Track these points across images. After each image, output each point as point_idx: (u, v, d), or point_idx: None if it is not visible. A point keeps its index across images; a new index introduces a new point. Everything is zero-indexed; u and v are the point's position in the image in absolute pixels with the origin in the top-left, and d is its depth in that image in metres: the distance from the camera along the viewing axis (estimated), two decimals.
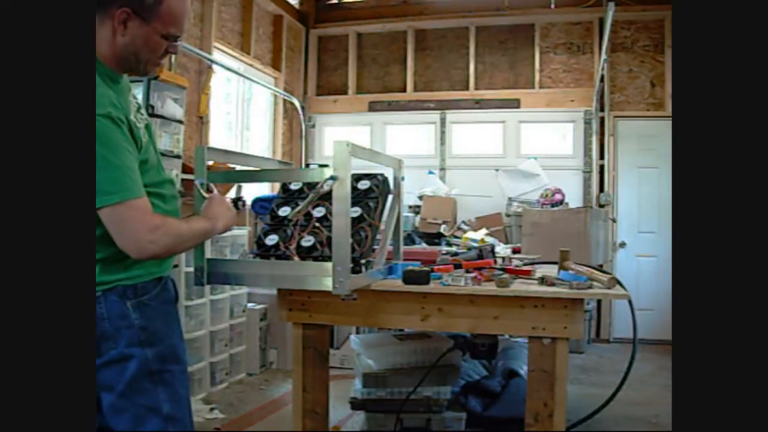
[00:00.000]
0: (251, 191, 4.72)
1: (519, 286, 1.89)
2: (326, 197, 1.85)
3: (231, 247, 4.02)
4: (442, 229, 5.08)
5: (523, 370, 2.98)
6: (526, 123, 5.68)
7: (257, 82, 5.24)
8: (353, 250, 1.78)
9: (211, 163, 1.97)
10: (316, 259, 1.83)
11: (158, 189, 1.46)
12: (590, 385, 3.99)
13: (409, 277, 1.90)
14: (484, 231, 4.53)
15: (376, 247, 1.96)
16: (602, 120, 5.51)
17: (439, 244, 4.52)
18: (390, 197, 2.12)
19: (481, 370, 3.21)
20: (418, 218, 5.31)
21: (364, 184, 2.04)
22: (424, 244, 4.53)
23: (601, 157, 5.53)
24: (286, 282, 1.86)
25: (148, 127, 1.55)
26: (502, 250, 3.47)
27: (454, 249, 3.00)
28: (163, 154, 3.34)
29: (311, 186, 2.07)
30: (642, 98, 5.57)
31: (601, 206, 5.33)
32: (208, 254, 1.93)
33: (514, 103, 5.72)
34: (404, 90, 6.03)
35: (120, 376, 1.33)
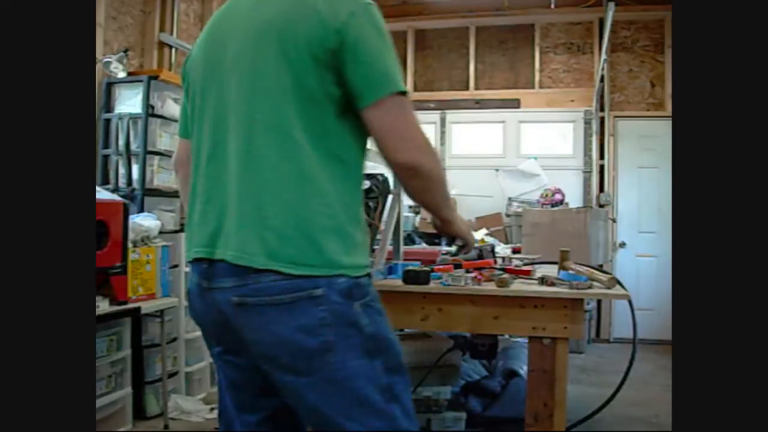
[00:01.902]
0: None
1: (519, 286, 1.90)
2: None
3: None
4: None
5: (523, 370, 2.98)
6: (526, 123, 5.68)
7: None
8: None
9: None
10: None
11: None
12: (590, 385, 3.99)
13: (409, 277, 1.90)
14: (484, 231, 4.53)
15: (376, 247, 1.96)
16: (602, 120, 5.51)
17: (439, 244, 4.52)
18: (390, 197, 2.12)
19: (481, 370, 3.21)
20: (418, 218, 5.31)
21: (364, 184, 2.03)
22: (424, 244, 4.53)
23: (601, 157, 5.53)
24: None
25: None
26: (502, 250, 3.46)
27: (454, 249, 3.00)
28: (163, 154, 3.37)
29: None
30: (642, 98, 5.57)
31: (601, 206, 5.33)
32: None
33: (514, 103, 5.71)
34: None
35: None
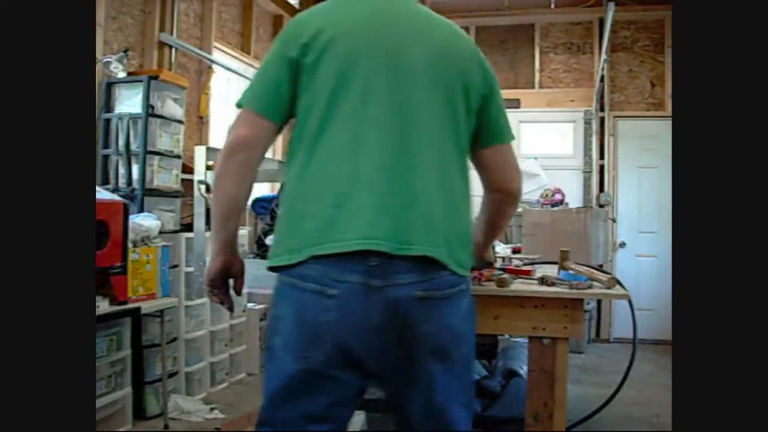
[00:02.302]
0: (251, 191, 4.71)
1: (519, 286, 1.89)
2: None
3: None
4: None
5: (523, 370, 2.98)
6: (526, 123, 5.68)
7: None
8: None
9: (211, 163, 1.97)
10: None
11: None
12: (590, 385, 3.99)
13: None
14: None
15: None
16: (602, 120, 5.51)
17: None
18: None
19: (481, 370, 3.21)
20: None
21: None
22: None
23: (601, 157, 5.53)
24: None
25: None
26: (502, 250, 3.46)
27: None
28: (163, 154, 3.37)
29: None
30: (642, 98, 5.57)
31: (601, 206, 5.33)
32: (207, 254, 1.94)
33: (514, 103, 5.71)
34: None
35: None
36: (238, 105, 1.31)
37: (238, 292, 1.43)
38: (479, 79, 1.34)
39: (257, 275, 1.88)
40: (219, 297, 1.41)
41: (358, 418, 2.89)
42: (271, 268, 1.28)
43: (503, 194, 1.49)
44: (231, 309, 1.48)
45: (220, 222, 1.35)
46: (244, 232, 4.20)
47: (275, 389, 1.26)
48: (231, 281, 1.43)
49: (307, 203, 1.23)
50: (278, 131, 1.35)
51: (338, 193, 1.20)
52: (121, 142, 3.29)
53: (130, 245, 2.76)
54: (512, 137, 1.45)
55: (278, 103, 1.29)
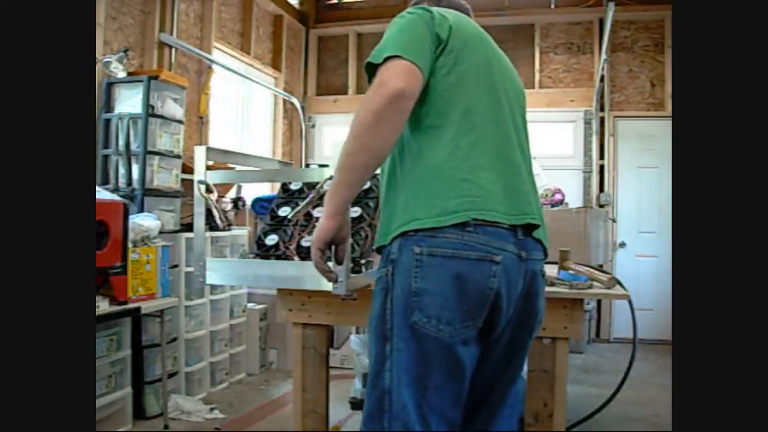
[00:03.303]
0: (251, 191, 4.72)
1: None
2: None
3: (231, 247, 4.02)
4: None
5: (523, 370, 2.98)
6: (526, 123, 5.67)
7: (257, 82, 5.24)
8: (353, 249, 1.78)
9: (211, 163, 1.97)
10: None
11: None
12: (590, 385, 3.99)
13: None
14: None
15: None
16: (602, 120, 5.51)
17: None
18: None
19: None
20: None
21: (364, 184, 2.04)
22: None
23: (601, 157, 5.52)
24: (286, 282, 1.86)
25: None
26: None
27: None
28: (163, 154, 3.37)
29: (311, 186, 2.07)
30: (642, 98, 5.57)
31: (601, 206, 5.33)
32: (208, 254, 1.94)
33: None
34: None
35: None
36: (390, 55, 1.26)
37: (340, 261, 1.36)
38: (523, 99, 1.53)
39: (257, 275, 1.88)
40: (324, 266, 1.32)
41: (358, 418, 2.88)
42: (403, 235, 1.24)
43: None
44: (335, 280, 1.41)
45: (358, 174, 1.24)
46: (244, 232, 4.21)
47: (428, 375, 1.21)
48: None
49: (464, 171, 1.26)
50: None
51: (488, 168, 1.28)
52: (121, 142, 3.29)
53: (130, 245, 2.76)
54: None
55: (429, 63, 1.31)
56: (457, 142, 1.27)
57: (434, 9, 1.39)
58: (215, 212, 3.91)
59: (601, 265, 3.71)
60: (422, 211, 1.24)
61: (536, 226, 1.33)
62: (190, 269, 3.40)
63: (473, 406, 1.36)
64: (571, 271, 2.02)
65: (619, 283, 1.91)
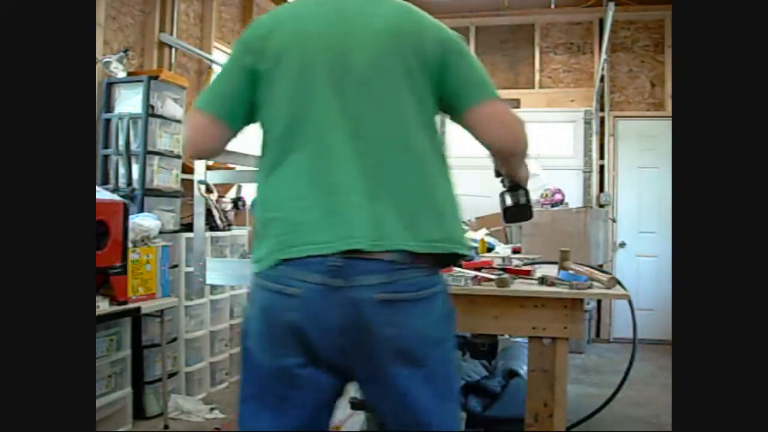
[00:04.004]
0: (251, 191, 4.71)
1: (519, 286, 1.89)
2: None
3: (231, 247, 4.02)
4: None
5: (523, 370, 2.98)
6: (526, 123, 5.64)
7: None
8: None
9: (211, 163, 1.97)
10: None
11: None
12: (590, 385, 3.99)
13: None
14: (484, 231, 4.52)
15: None
16: (602, 120, 5.51)
17: None
18: None
19: (481, 370, 3.21)
20: None
21: None
22: None
23: (601, 157, 5.53)
24: None
25: None
26: (502, 250, 3.47)
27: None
28: (163, 154, 3.37)
29: None
30: (642, 98, 5.57)
31: (601, 206, 5.33)
32: (208, 254, 1.94)
33: (514, 103, 5.71)
34: None
35: None
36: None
37: None
38: (435, 45, 1.31)
39: None
40: None
41: (358, 418, 2.88)
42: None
43: (501, 154, 1.42)
44: None
45: None
46: (244, 232, 4.21)
47: (252, 391, 1.25)
48: None
49: (274, 208, 1.24)
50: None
51: (302, 195, 1.20)
52: (121, 142, 3.29)
53: (130, 245, 2.76)
54: (492, 94, 1.34)
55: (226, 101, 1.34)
56: (271, 175, 1.25)
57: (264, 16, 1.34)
58: (215, 212, 3.92)
59: (601, 265, 3.72)
60: (254, 252, 1.30)
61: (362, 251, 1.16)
62: (190, 269, 3.40)
63: None
64: (571, 271, 2.02)
65: (619, 283, 1.91)
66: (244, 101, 1.30)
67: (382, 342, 1.18)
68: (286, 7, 1.35)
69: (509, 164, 1.49)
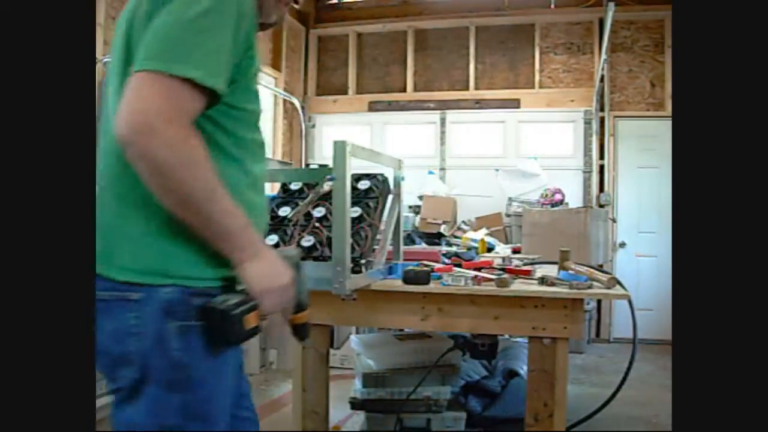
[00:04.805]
0: None
1: (519, 286, 1.90)
2: (326, 197, 1.85)
3: None
4: (442, 229, 5.08)
5: (523, 370, 2.98)
6: (526, 123, 5.68)
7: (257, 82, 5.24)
8: (353, 250, 1.78)
9: None
10: (316, 259, 1.83)
11: None
12: (590, 385, 3.99)
13: (409, 277, 1.90)
14: (484, 231, 4.53)
15: (376, 247, 1.96)
16: (602, 120, 5.51)
17: (439, 244, 4.53)
18: (390, 197, 2.12)
19: (481, 370, 3.21)
20: (418, 218, 5.31)
21: (364, 184, 2.04)
22: (424, 244, 4.53)
23: (601, 157, 5.53)
24: None
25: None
26: (502, 250, 3.47)
27: (454, 249, 3.01)
28: None
29: (311, 186, 2.07)
30: (642, 98, 5.57)
31: (601, 206, 5.33)
32: None
33: (514, 104, 5.71)
34: (404, 90, 6.02)
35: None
36: None
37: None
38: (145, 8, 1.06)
39: None
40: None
41: (358, 418, 2.88)
42: None
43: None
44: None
45: None
46: None
47: None
48: None
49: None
50: None
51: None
52: None
53: None
54: (150, 65, 0.98)
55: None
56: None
57: None
58: None
59: (601, 265, 3.72)
60: None
61: None
62: None
63: None
64: (571, 271, 2.02)
65: (619, 283, 1.91)
66: None
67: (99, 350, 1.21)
68: None
69: (148, 183, 1.04)
